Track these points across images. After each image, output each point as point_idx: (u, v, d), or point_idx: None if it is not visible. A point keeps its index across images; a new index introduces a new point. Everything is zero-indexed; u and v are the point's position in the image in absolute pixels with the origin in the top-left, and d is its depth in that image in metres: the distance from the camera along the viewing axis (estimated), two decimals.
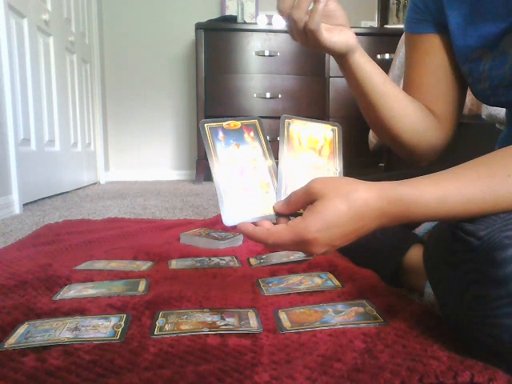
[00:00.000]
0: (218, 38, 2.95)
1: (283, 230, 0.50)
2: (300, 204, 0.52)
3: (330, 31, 0.64)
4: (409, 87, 0.76)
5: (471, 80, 0.67)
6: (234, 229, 0.54)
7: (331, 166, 0.58)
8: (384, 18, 3.38)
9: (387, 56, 2.87)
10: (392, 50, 2.38)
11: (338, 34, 0.65)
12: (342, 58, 0.68)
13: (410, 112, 0.72)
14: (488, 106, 1.26)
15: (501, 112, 1.21)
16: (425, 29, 0.72)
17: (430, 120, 0.73)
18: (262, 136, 0.58)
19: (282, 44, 2.97)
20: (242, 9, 3.16)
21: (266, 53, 2.93)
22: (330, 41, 0.64)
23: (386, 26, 3.28)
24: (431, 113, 0.74)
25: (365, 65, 0.68)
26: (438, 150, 0.76)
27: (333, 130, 0.60)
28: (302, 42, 0.65)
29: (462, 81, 0.73)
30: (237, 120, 0.58)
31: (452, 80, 0.73)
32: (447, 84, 0.73)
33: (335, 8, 0.65)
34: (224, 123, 0.57)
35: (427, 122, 0.73)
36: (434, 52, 0.72)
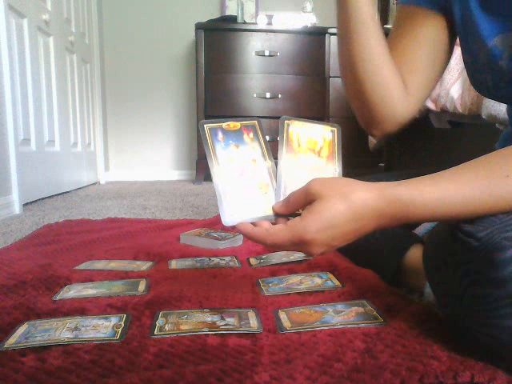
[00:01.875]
0: (218, 38, 2.95)
1: (282, 231, 0.50)
2: (299, 204, 0.52)
3: None
4: (392, 53, 0.72)
5: (471, 70, 0.67)
6: (234, 229, 0.54)
7: (330, 166, 0.58)
8: (384, 18, 3.38)
9: None
10: None
11: None
12: None
13: (383, 65, 0.69)
14: (488, 106, 1.26)
15: (500, 112, 1.21)
16: (427, 4, 0.70)
17: (400, 87, 0.71)
18: (261, 137, 0.58)
19: (282, 44, 2.97)
20: (242, 9, 3.16)
21: (266, 53, 2.93)
22: None
23: (385, 26, 3.28)
24: (403, 83, 0.72)
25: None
26: (397, 121, 0.73)
27: (332, 131, 0.60)
28: None
29: (445, 61, 0.72)
30: (236, 121, 0.58)
31: (436, 58, 0.72)
32: (430, 60, 0.72)
33: None
34: (223, 124, 0.58)
35: (396, 86, 0.70)
36: (428, 28, 0.71)
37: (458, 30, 0.66)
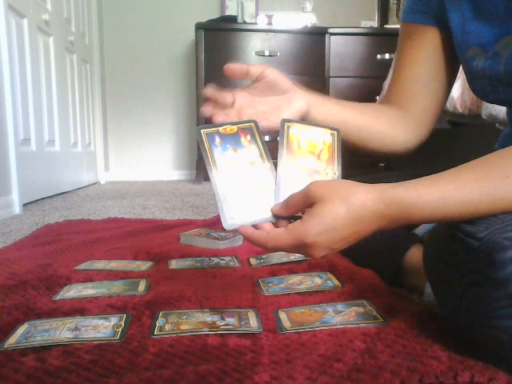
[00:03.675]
0: (218, 38, 2.95)
1: (283, 234, 0.50)
2: (298, 207, 0.52)
3: (276, 111, 0.62)
4: (395, 80, 0.76)
5: (469, 77, 0.68)
6: (235, 230, 0.54)
7: (330, 170, 0.58)
8: (384, 17, 3.38)
9: (387, 56, 2.88)
10: (392, 49, 2.37)
11: (288, 109, 0.63)
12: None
13: (376, 132, 0.72)
14: (488, 106, 1.26)
15: (500, 112, 1.21)
16: (423, 20, 0.71)
17: (401, 126, 0.74)
18: (258, 139, 0.58)
19: (282, 44, 2.97)
20: (242, 9, 3.16)
21: (266, 53, 2.93)
22: (279, 123, 0.61)
23: (385, 26, 3.28)
24: (407, 113, 0.74)
25: (322, 119, 0.67)
26: (413, 147, 0.76)
27: (332, 135, 0.60)
28: None
29: (450, 77, 0.73)
30: (233, 124, 0.58)
31: (440, 75, 0.72)
32: (432, 80, 0.73)
33: (275, 77, 0.64)
34: (220, 128, 0.57)
35: (397, 130, 0.74)
36: (427, 44, 0.72)
37: (456, 40, 0.66)
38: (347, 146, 0.73)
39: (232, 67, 0.62)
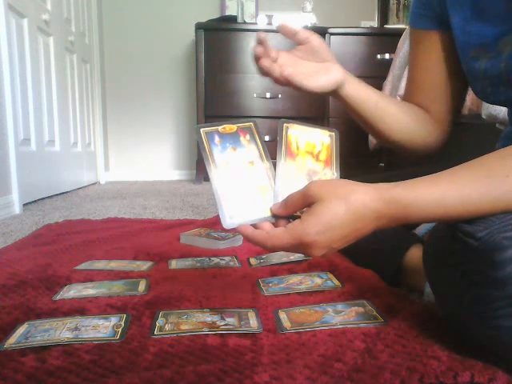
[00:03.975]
0: (218, 38, 2.95)
1: (282, 234, 0.50)
2: (297, 206, 0.52)
3: (315, 75, 0.67)
4: (411, 85, 0.78)
5: (470, 78, 0.68)
6: (234, 229, 0.54)
7: (328, 170, 0.59)
8: (384, 17, 3.38)
9: (387, 56, 2.87)
10: (392, 49, 2.37)
11: (326, 75, 0.67)
12: (332, 93, 0.70)
13: (403, 122, 0.74)
14: (488, 106, 1.26)
15: (500, 112, 1.21)
16: (427, 25, 0.72)
17: (425, 124, 0.75)
18: (257, 138, 0.59)
19: (282, 44, 2.95)
20: (242, 9, 3.16)
21: None
22: (317, 85, 0.67)
23: (386, 25, 3.28)
24: (428, 114, 0.75)
25: (356, 95, 0.70)
26: (434, 146, 0.78)
27: (330, 136, 0.60)
28: (289, 86, 0.67)
29: (463, 80, 0.73)
30: (232, 123, 0.58)
31: (452, 79, 0.73)
32: (447, 83, 0.73)
33: (318, 44, 0.68)
34: (219, 127, 0.58)
35: (421, 127, 0.75)
36: (435, 50, 0.72)
37: (457, 41, 0.67)
38: (370, 130, 0.75)
39: (284, 26, 0.69)
